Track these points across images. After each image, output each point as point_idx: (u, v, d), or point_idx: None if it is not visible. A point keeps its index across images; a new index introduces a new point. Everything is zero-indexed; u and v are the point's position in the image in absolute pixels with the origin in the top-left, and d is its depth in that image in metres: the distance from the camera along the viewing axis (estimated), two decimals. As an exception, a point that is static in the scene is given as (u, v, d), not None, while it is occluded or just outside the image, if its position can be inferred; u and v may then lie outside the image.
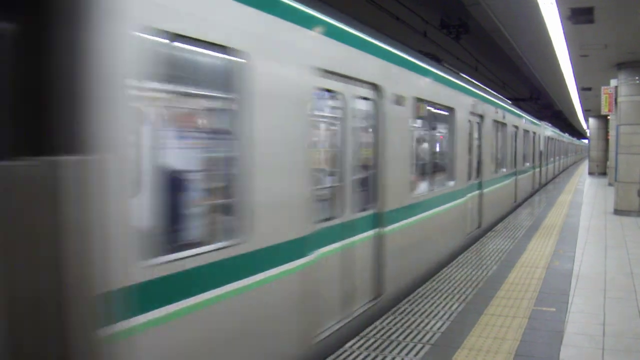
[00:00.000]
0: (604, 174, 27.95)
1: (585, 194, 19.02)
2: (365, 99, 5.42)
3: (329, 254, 4.70)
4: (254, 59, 3.59)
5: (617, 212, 13.50)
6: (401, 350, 4.55)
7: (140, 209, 2.81)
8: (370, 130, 5.59)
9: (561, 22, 9.24)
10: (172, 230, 3.14)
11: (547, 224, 11.69)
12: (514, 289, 6.41)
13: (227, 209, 3.58)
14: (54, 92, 2.58)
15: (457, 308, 5.69)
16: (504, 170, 13.32)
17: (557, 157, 30.30)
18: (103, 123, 2.61)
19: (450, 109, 8.57)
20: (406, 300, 5.97)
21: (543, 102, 27.56)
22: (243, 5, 3.56)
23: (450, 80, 8.62)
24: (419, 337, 4.86)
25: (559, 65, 14.17)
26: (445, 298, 6.05)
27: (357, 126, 5.25)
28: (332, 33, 4.74)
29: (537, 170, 20.32)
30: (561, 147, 33.84)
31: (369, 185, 5.56)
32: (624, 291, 6.51)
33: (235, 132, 3.54)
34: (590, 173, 30.99)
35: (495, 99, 12.88)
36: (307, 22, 4.35)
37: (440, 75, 7.99)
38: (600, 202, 16.44)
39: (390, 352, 4.52)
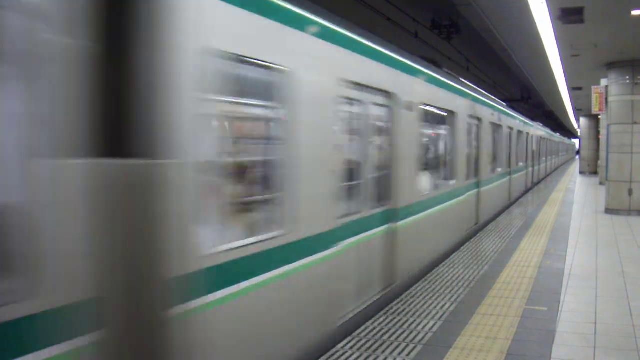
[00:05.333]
0: (595, 173, 28.10)
1: (576, 194, 19.12)
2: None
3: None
4: None
5: (608, 211, 13.57)
6: (393, 351, 4.53)
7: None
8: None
9: (551, 22, 9.28)
10: None
11: (538, 223, 11.73)
12: (505, 288, 6.42)
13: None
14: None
15: (449, 307, 5.69)
16: (453, 183, 9.18)
17: (542, 159, 26.95)
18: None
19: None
20: (398, 300, 5.97)
21: (534, 101, 27.71)
22: None
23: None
24: (411, 337, 4.85)
25: (549, 65, 14.24)
26: (437, 297, 6.05)
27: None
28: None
29: (517, 175, 16.84)
30: (547, 145, 29.78)
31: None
32: (615, 290, 6.54)
33: None
34: (582, 172, 31.17)
35: (443, 76, 8.73)
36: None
37: None
38: (591, 201, 16.53)
39: (383, 352, 4.51)
